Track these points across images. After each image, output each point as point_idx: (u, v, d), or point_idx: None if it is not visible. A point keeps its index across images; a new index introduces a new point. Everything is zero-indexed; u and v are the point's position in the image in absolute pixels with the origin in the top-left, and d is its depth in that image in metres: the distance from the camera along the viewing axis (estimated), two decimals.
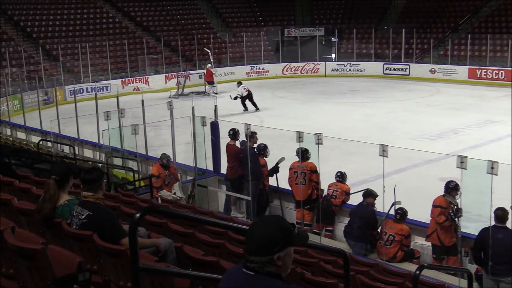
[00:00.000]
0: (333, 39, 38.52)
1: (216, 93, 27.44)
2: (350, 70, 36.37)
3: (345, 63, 36.74)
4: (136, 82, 31.18)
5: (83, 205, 4.99)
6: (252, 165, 11.35)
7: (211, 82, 29.58)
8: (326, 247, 7.14)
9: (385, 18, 39.78)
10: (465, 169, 8.15)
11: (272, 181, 11.90)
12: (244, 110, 24.50)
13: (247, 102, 24.70)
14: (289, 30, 39.29)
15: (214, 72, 30.23)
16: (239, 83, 25.37)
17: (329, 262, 6.63)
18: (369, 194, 10.04)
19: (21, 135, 20.08)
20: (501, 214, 8.05)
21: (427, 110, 24.28)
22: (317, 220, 11.09)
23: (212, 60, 31.53)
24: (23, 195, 6.56)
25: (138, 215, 3.41)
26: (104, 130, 14.27)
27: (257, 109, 24.59)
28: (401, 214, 9.55)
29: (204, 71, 30.58)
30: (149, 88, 29.99)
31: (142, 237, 5.28)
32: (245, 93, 24.51)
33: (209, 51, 32.66)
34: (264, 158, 11.95)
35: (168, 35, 36.63)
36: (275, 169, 11.72)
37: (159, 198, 10.81)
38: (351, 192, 11.07)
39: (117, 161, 14.28)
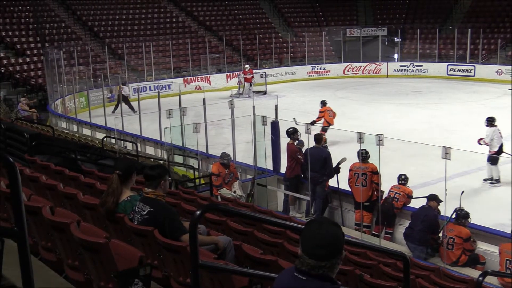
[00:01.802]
0: (396, 39, 37.97)
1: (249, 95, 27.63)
2: (412, 70, 35.74)
3: (408, 63, 36.12)
4: (197, 81, 31.54)
5: (145, 201, 5.08)
6: (319, 166, 11.41)
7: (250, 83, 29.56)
8: (386, 249, 7.03)
9: (450, 18, 38.92)
10: None
11: (332, 181, 11.84)
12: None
13: None
14: (351, 30, 38.94)
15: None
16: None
17: (389, 265, 6.54)
18: (433, 198, 9.89)
19: (86, 131, 20.62)
20: None
21: (493, 112, 23.56)
22: (376, 221, 10.97)
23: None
24: (88, 190, 6.74)
25: (198, 212, 3.45)
26: (166, 128, 14.50)
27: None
28: (460, 215, 9.35)
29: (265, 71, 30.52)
30: (211, 87, 30.28)
31: (201, 234, 5.33)
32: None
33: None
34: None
35: (230, 34, 36.90)
36: (336, 169, 11.67)
37: (218, 196, 10.90)
38: (413, 195, 10.90)
39: (178, 159, 14.49)
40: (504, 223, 10.05)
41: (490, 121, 14.65)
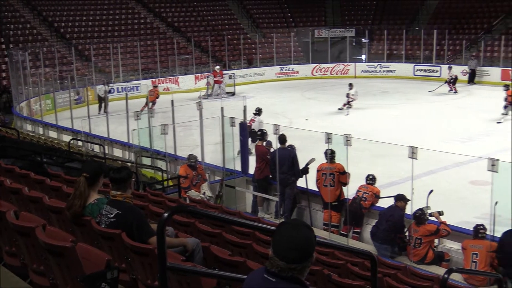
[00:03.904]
0: (364, 40, 38.30)
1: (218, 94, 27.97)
2: (380, 71, 36.11)
3: (375, 64, 36.48)
4: (166, 83, 31.39)
5: (112, 204, 5.05)
6: (287, 166, 11.45)
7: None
8: (354, 249, 7.09)
9: (417, 19, 39.41)
10: (496, 172, 8.05)
11: (301, 182, 11.90)
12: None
13: None
14: (319, 31, 39.16)
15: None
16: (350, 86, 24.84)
17: (356, 264, 6.60)
18: (401, 198, 9.97)
19: (53, 134, 20.37)
20: None
21: (458, 112, 24.01)
22: (344, 221, 11.05)
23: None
24: (54, 193, 6.66)
25: (166, 214, 3.44)
26: (134, 129, 14.42)
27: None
28: (417, 217, 9.50)
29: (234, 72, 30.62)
30: (179, 89, 30.16)
31: (169, 236, 5.31)
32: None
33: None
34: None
35: (199, 35, 36.81)
36: (305, 170, 11.73)
37: (187, 198, 10.87)
38: (381, 195, 11.01)
39: (146, 161, 14.42)
40: (468, 221, 10.22)
41: None
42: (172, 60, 33.57)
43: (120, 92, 27.21)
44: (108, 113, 20.74)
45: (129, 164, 13.75)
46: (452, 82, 29.29)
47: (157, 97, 24.26)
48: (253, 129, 16.24)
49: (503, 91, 21.86)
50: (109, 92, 25.88)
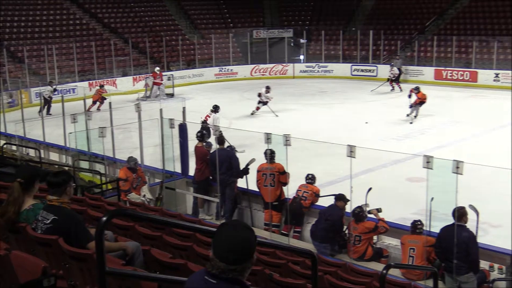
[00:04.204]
0: (302, 41, 38.69)
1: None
2: (318, 71, 36.57)
3: (314, 64, 36.93)
4: (104, 84, 30.86)
5: (48, 209, 4.93)
6: (226, 167, 11.45)
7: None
8: (294, 248, 7.15)
9: (353, 19, 40.09)
10: (431, 169, 8.26)
11: (241, 182, 11.91)
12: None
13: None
14: (258, 32, 39.34)
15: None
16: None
17: (297, 263, 6.65)
18: (341, 198, 10.05)
19: None
20: (459, 213, 8.21)
21: (394, 111, 24.52)
22: (285, 221, 11.12)
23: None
24: None
25: (104, 218, 3.39)
26: (70, 133, 14.12)
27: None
28: (356, 214, 9.65)
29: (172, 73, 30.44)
30: (117, 91, 29.71)
31: (109, 240, 5.24)
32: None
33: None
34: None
35: (136, 36, 36.36)
36: (245, 171, 11.75)
37: (127, 202, 10.73)
38: (320, 194, 11.12)
39: (84, 164, 14.14)
40: (405, 217, 10.46)
41: None
42: (109, 62, 33.05)
43: (55, 94, 26.58)
44: (51, 115, 20.35)
45: (67, 168, 13.46)
46: (395, 79, 30.00)
47: (103, 98, 24.88)
48: (208, 124, 17.13)
49: (414, 94, 22.11)
50: (54, 92, 25.34)
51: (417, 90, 22.36)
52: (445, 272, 8.35)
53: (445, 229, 8.32)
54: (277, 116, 23.28)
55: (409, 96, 22.09)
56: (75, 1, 37.06)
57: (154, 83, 29.29)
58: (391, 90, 29.87)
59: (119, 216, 6.03)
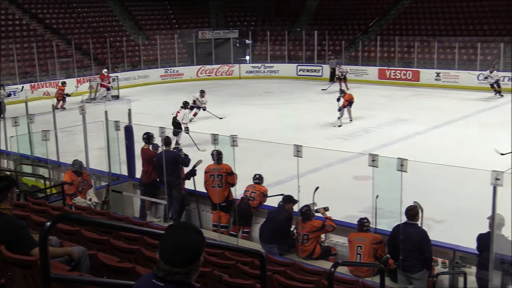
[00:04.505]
0: (247, 41, 38.79)
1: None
2: (264, 72, 36.74)
3: (260, 65, 37.08)
4: (46, 87, 30.20)
5: None
6: (173, 169, 11.36)
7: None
8: (243, 248, 7.15)
9: (298, 20, 40.41)
10: (377, 167, 8.38)
11: (189, 184, 11.85)
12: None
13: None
14: (203, 33, 39.23)
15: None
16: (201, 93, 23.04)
17: (246, 264, 6.65)
18: (289, 200, 9.96)
19: None
20: (409, 212, 8.35)
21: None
22: (233, 222, 11.12)
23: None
24: None
25: (48, 223, 3.32)
26: (12, 136, 13.77)
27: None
28: (304, 213, 9.71)
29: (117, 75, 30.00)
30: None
31: (54, 246, 5.13)
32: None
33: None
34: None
35: (79, 38, 35.69)
36: (192, 172, 11.69)
37: (72, 206, 10.53)
38: (268, 194, 11.16)
39: (27, 169, 13.80)
40: (352, 215, 10.59)
41: None
42: (51, 64, 32.35)
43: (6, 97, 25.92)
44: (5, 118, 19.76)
45: (8, 172, 13.11)
46: (343, 78, 30.40)
47: (64, 96, 25.86)
48: (178, 119, 18.28)
49: (341, 97, 22.08)
50: (8, 95, 24.73)
51: (343, 93, 22.40)
52: (398, 270, 8.48)
53: (398, 228, 8.42)
54: (221, 118, 22.96)
55: (338, 99, 22.03)
56: (13, 1, 36.07)
57: (101, 85, 28.85)
58: (340, 89, 30.29)
59: (64, 221, 5.91)
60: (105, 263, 4.90)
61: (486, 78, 27.59)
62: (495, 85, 26.96)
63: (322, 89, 30.43)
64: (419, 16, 36.31)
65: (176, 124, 18.08)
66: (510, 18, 32.50)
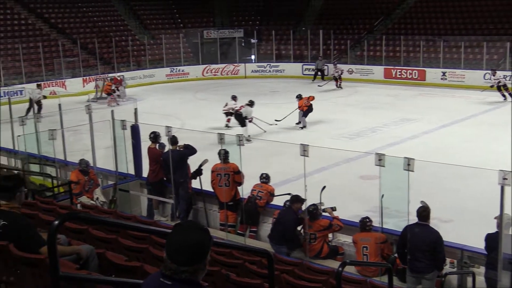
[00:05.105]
0: (253, 41, 38.78)
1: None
2: (270, 71, 36.72)
3: (265, 64, 37.07)
4: (52, 86, 30.26)
5: None
6: (179, 168, 11.36)
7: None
8: (251, 247, 7.15)
9: (303, 19, 40.37)
10: (383, 166, 8.35)
11: (195, 183, 11.85)
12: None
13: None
14: (209, 32, 39.24)
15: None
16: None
17: (254, 263, 6.65)
18: (296, 200, 9.81)
19: None
20: (422, 213, 8.28)
21: (346, 109, 24.83)
22: (241, 221, 11.11)
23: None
24: None
25: (56, 222, 3.31)
26: (19, 135, 13.80)
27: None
28: (311, 212, 9.67)
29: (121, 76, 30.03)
30: (67, 92, 29.21)
31: (62, 244, 5.13)
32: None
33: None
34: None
35: (85, 37, 35.78)
36: (199, 172, 11.68)
37: (78, 205, 10.54)
38: (275, 193, 11.13)
39: (35, 168, 13.84)
40: (359, 214, 10.55)
41: None
42: (57, 63, 32.45)
43: (2, 96, 25.94)
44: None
45: (16, 171, 13.14)
46: (339, 77, 30.53)
47: (111, 91, 26.90)
48: (240, 112, 20.02)
49: (296, 100, 21.82)
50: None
51: (299, 97, 21.75)
52: (407, 271, 8.42)
53: (410, 229, 8.36)
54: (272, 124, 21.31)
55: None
56: (19, 1, 36.16)
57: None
58: (336, 88, 30.48)
59: (72, 220, 5.91)
60: (113, 262, 4.90)
61: (492, 86, 26.29)
62: (502, 88, 25.72)
63: (319, 85, 30.77)
64: (425, 15, 36.20)
65: (238, 116, 20.10)
66: None
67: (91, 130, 13.43)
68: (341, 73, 31.04)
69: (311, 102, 21.46)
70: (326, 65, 32.04)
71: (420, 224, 8.26)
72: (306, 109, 21.43)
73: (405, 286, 8.47)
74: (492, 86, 26.19)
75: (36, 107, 22.88)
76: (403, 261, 8.52)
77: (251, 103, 20.40)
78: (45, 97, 24.75)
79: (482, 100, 25.74)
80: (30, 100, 23.77)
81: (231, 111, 21.10)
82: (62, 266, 3.38)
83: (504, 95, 25.52)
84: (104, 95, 28.33)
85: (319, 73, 33.70)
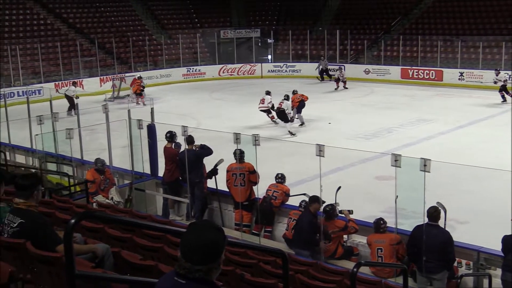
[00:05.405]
0: (269, 41, 38.76)
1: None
2: (286, 71, 36.69)
3: (281, 64, 37.04)
4: (70, 85, 30.44)
5: (15, 212, 4.84)
6: (195, 168, 11.38)
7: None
8: (265, 247, 7.16)
9: (319, 19, 40.28)
10: (399, 167, 8.32)
11: (211, 183, 11.87)
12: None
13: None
14: (225, 32, 39.31)
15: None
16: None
17: (268, 263, 6.66)
18: (314, 200, 9.66)
19: None
20: (433, 213, 8.25)
21: (362, 110, 24.75)
22: (256, 221, 11.11)
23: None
24: None
25: (73, 220, 3.35)
26: (37, 134, 13.92)
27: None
28: (327, 211, 9.62)
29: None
30: (84, 91, 29.41)
31: (78, 243, 5.17)
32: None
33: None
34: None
35: (103, 37, 36.00)
36: (214, 171, 11.69)
37: (94, 204, 10.60)
38: (290, 193, 11.12)
39: (52, 166, 13.95)
40: (375, 215, 10.52)
41: None
42: (75, 63, 32.69)
43: (21, 96, 26.21)
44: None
45: (33, 170, 13.25)
46: (343, 80, 30.64)
47: (141, 88, 27.23)
48: (283, 108, 20.50)
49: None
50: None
51: (287, 97, 21.43)
52: (417, 271, 8.40)
53: (418, 229, 8.34)
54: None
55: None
56: (38, 1, 36.48)
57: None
58: (335, 89, 30.47)
59: (88, 218, 5.96)
60: (128, 261, 4.92)
61: (495, 82, 25.92)
62: (503, 91, 25.34)
63: (335, 89, 30.92)
64: (442, 15, 35.95)
65: (281, 113, 20.38)
66: None
67: (108, 129, 13.53)
68: (344, 79, 30.83)
69: (302, 98, 21.88)
70: (340, 70, 31.78)
71: (430, 225, 8.24)
72: (297, 104, 21.59)
73: (416, 287, 8.44)
74: (500, 90, 25.67)
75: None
76: (412, 260, 8.51)
77: (287, 97, 21.18)
78: (78, 97, 24.90)
79: (500, 101, 25.48)
80: (68, 97, 24.10)
81: (270, 108, 21.49)
82: (78, 265, 3.42)
83: (504, 97, 25.26)
84: (132, 94, 28.20)
85: (324, 73, 33.61)
